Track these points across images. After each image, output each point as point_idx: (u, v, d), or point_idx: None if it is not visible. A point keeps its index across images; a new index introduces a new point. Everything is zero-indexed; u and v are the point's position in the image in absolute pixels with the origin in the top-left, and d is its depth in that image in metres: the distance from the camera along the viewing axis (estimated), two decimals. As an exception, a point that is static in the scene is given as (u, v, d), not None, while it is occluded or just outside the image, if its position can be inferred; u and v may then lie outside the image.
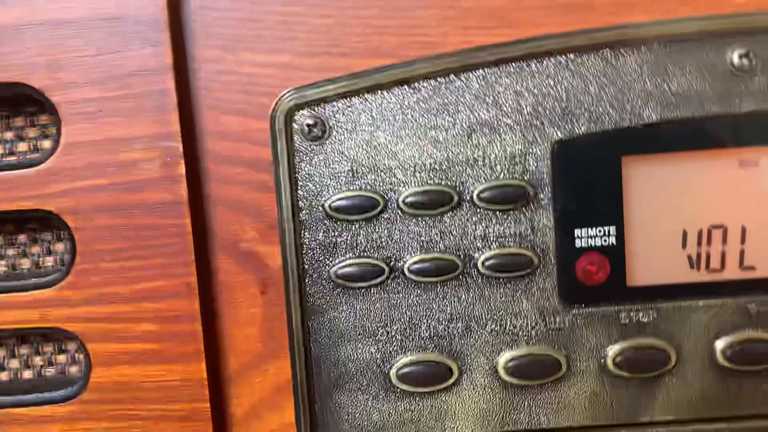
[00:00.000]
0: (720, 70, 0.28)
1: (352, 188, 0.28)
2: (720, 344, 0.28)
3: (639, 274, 0.28)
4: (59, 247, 0.31)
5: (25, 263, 0.31)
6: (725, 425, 0.29)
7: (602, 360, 0.28)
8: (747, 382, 0.28)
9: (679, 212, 0.28)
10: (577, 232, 0.28)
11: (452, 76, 0.27)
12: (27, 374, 0.31)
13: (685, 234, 0.28)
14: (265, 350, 0.29)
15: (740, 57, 0.27)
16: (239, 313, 0.29)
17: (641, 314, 0.28)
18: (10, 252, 0.30)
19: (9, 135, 0.30)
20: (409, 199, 0.28)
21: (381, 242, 0.28)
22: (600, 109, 0.27)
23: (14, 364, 0.31)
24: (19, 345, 0.31)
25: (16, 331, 0.29)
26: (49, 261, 0.31)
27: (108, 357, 0.28)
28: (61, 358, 0.31)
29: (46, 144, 0.30)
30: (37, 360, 0.31)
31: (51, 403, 0.28)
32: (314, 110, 0.28)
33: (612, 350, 0.28)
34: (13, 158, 0.29)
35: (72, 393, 0.29)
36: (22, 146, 0.30)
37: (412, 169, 0.28)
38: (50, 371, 0.31)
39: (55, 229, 0.30)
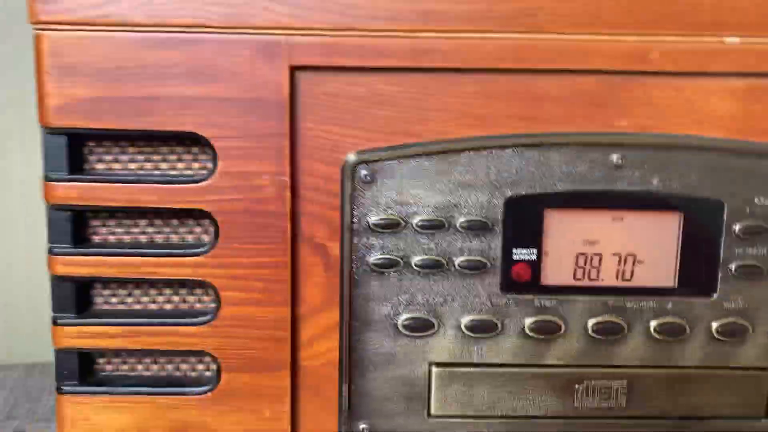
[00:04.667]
0: (606, 164, 0.47)
1: (386, 213, 0.47)
2: (590, 322, 0.48)
3: (548, 277, 0.47)
4: (198, 229, 0.49)
5: (174, 238, 0.49)
6: (588, 370, 0.48)
7: (522, 326, 0.48)
8: (604, 346, 0.48)
9: (575, 245, 0.47)
10: (514, 251, 0.47)
11: (451, 153, 0.46)
12: (168, 306, 0.49)
13: (577, 257, 0.48)
14: (323, 303, 0.48)
15: (617, 158, 0.47)
16: (311, 281, 0.47)
17: (546, 301, 0.48)
18: (182, 230, 0.48)
19: (176, 159, 0.48)
20: (419, 223, 0.47)
21: (399, 246, 0.47)
22: (534, 180, 0.46)
23: (175, 299, 0.49)
24: (165, 288, 0.49)
25: (178, 280, 0.47)
26: (190, 237, 0.49)
27: (231, 300, 0.47)
28: (191, 299, 0.50)
29: (195, 165, 0.48)
30: (176, 299, 0.50)
31: (198, 325, 0.47)
32: (368, 165, 0.46)
33: (528, 321, 0.48)
34: (185, 174, 0.47)
35: (207, 320, 0.47)
36: (180, 166, 0.48)
37: (423, 205, 0.47)
38: (183, 306, 0.49)
39: (195, 219, 0.48)
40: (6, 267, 0.81)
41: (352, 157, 0.46)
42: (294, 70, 0.45)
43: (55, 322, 0.47)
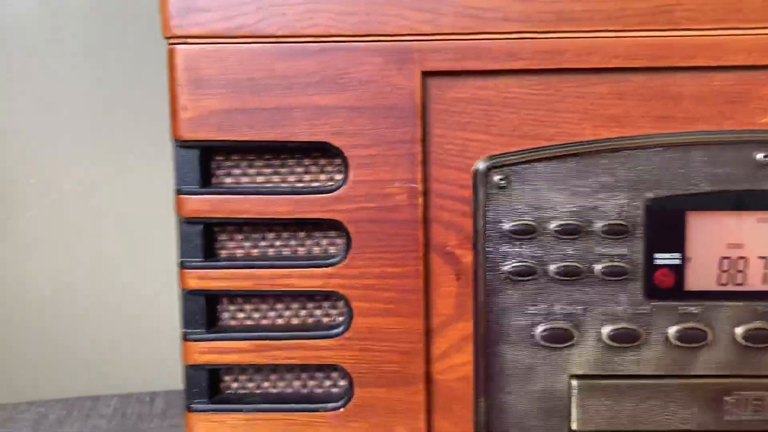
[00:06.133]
0: (750, 163, 0.45)
1: (521, 219, 0.46)
2: (738, 330, 0.46)
3: (692, 283, 0.45)
4: (325, 241, 0.48)
5: (301, 251, 0.48)
6: (739, 380, 0.46)
7: (666, 335, 0.46)
8: (755, 355, 0.46)
9: (719, 248, 0.45)
10: (656, 255, 0.45)
11: (587, 155, 0.45)
12: (295, 321, 0.49)
13: (722, 260, 0.46)
14: (455, 314, 0.46)
15: (763, 156, 0.45)
16: (442, 291, 0.46)
17: (692, 307, 0.46)
18: (308, 242, 0.48)
19: (302, 172, 0.48)
20: (556, 228, 0.45)
21: (536, 253, 0.46)
22: (675, 181, 0.45)
23: (302, 313, 0.48)
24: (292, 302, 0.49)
25: (310, 292, 0.46)
26: (316, 249, 0.48)
27: (363, 311, 0.46)
28: (318, 312, 0.49)
29: (322, 177, 0.47)
30: (303, 313, 0.49)
31: (327, 337, 0.46)
32: (501, 170, 0.45)
33: (672, 329, 0.46)
34: (315, 185, 0.46)
35: (340, 332, 0.46)
36: (307, 178, 0.48)
37: (559, 210, 0.45)
38: (310, 320, 0.49)
39: (323, 231, 0.48)
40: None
41: (484, 162, 0.45)
42: (425, 75, 0.44)
43: (185, 338, 0.47)
